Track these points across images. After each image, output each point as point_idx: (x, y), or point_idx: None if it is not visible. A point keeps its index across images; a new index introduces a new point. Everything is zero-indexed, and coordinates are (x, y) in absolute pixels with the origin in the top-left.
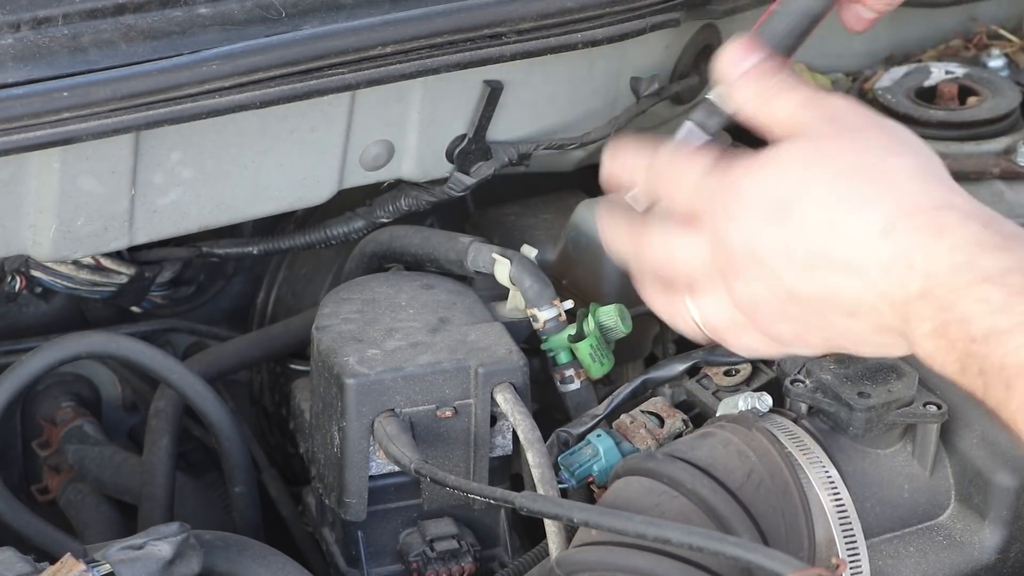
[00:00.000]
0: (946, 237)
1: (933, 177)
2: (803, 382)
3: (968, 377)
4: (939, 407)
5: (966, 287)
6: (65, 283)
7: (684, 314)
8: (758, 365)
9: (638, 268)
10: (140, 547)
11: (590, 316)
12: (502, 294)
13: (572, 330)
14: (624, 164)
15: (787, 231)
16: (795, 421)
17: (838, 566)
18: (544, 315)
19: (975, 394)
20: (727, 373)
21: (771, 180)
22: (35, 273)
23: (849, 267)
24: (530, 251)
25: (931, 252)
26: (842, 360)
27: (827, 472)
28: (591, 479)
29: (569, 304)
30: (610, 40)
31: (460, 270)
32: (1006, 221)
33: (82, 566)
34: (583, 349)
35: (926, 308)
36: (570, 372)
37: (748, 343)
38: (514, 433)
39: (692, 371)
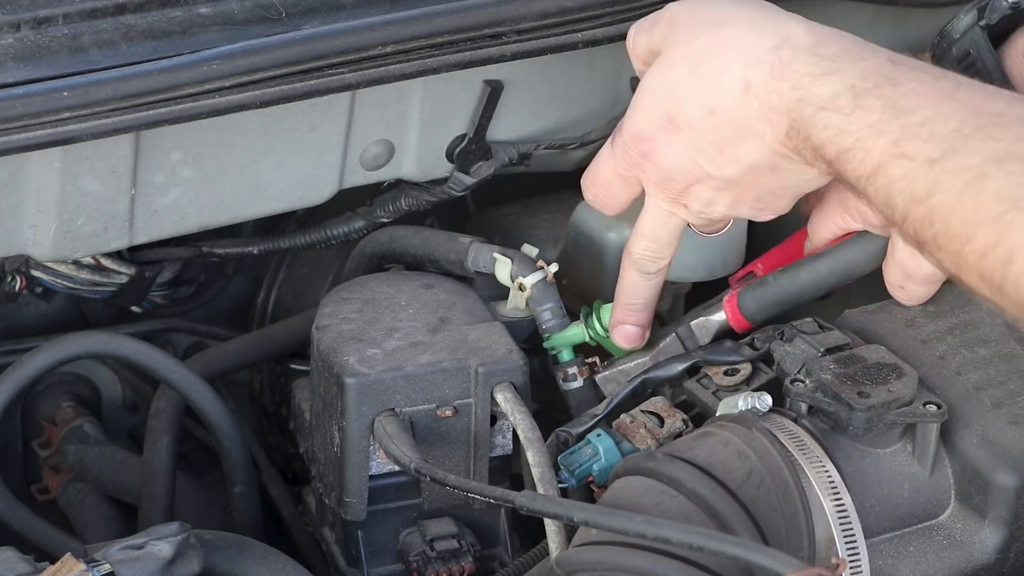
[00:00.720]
0: (786, 75)
1: (764, 19)
2: (803, 382)
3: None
4: (939, 407)
5: (811, 116)
6: (65, 283)
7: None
8: (758, 365)
9: None
10: (140, 547)
11: (594, 317)
12: (502, 294)
13: (576, 328)
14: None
15: (685, 138)
16: (795, 421)
17: (838, 566)
18: (529, 280)
19: None
20: (727, 373)
21: (649, 104)
22: (35, 273)
23: (743, 135)
24: (531, 250)
25: (781, 92)
26: (842, 360)
27: (827, 472)
28: (591, 479)
29: (555, 267)
30: (610, 40)
31: (460, 270)
32: (834, 38)
33: (82, 566)
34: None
35: (794, 140)
36: (572, 370)
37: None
38: (514, 432)
39: (692, 371)
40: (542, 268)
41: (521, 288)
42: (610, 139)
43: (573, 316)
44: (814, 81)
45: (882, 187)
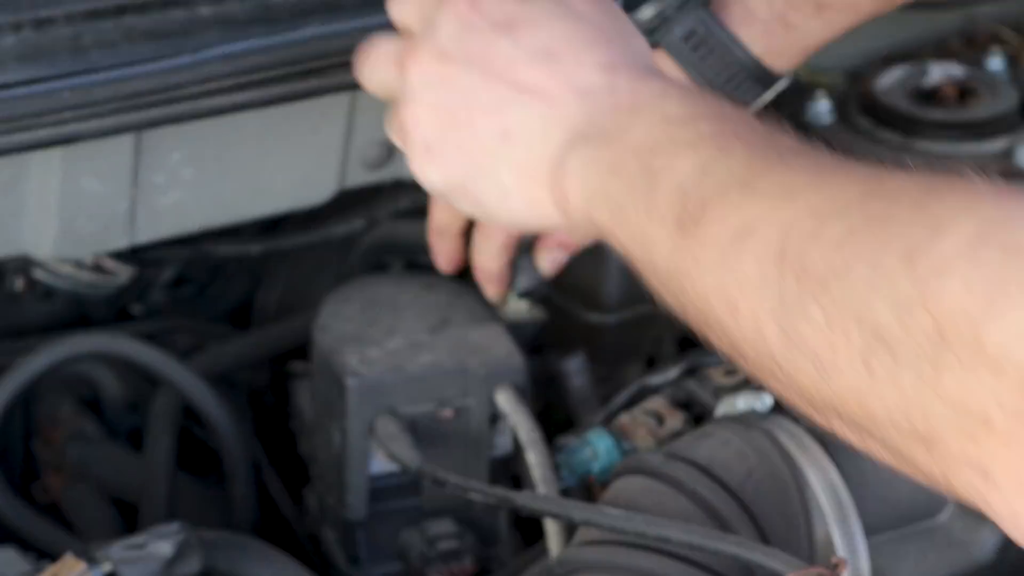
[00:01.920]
0: (655, 87)
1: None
2: None
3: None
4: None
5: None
6: (66, 283)
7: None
8: None
9: None
10: (141, 546)
11: None
12: None
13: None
14: None
15: (502, 42)
16: (795, 421)
17: (838, 565)
18: None
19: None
20: (727, 373)
21: (511, 3)
22: (36, 273)
23: (543, 94)
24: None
25: (644, 104)
26: None
27: (827, 472)
28: (591, 479)
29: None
30: None
31: None
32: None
33: (83, 565)
34: None
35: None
36: None
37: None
38: (514, 433)
39: (690, 373)
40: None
41: None
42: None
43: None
44: (683, 122)
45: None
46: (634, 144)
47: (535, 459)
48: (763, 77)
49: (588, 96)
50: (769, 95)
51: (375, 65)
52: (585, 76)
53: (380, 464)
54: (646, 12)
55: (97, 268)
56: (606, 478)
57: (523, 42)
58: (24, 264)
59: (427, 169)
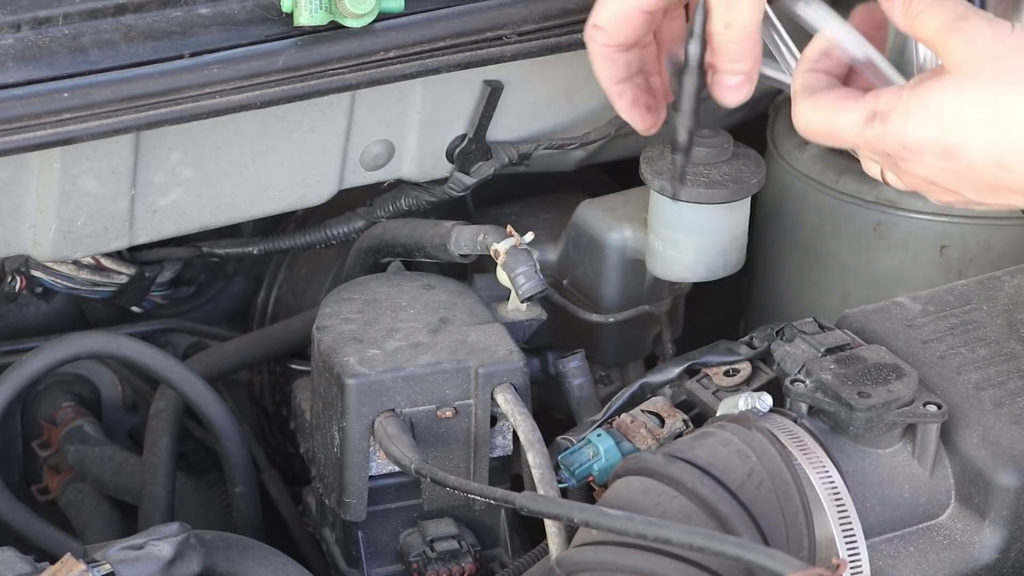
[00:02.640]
0: None
1: None
2: (803, 382)
3: None
4: (939, 407)
5: None
6: (65, 283)
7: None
8: (758, 365)
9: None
10: (140, 547)
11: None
12: (503, 295)
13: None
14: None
15: (959, 170)
16: (795, 421)
17: (838, 566)
18: (502, 246)
19: None
20: (727, 373)
21: (932, 128)
22: (35, 273)
23: (1020, 191)
24: (529, 236)
25: None
26: (842, 360)
27: (827, 472)
28: (591, 479)
29: (529, 236)
30: None
31: (446, 255)
32: None
33: (82, 566)
34: None
35: None
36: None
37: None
38: (514, 433)
39: (689, 373)
40: (512, 235)
41: (496, 254)
42: (862, 108)
43: (572, 318)
44: None
45: None
46: None
47: (535, 459)
48: None
49: None
50: None
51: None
52: None
53: (380, 464)
54: None
55: (97, 268)
56: (606, 478)
57: (971, 162)
58: (24, 264)
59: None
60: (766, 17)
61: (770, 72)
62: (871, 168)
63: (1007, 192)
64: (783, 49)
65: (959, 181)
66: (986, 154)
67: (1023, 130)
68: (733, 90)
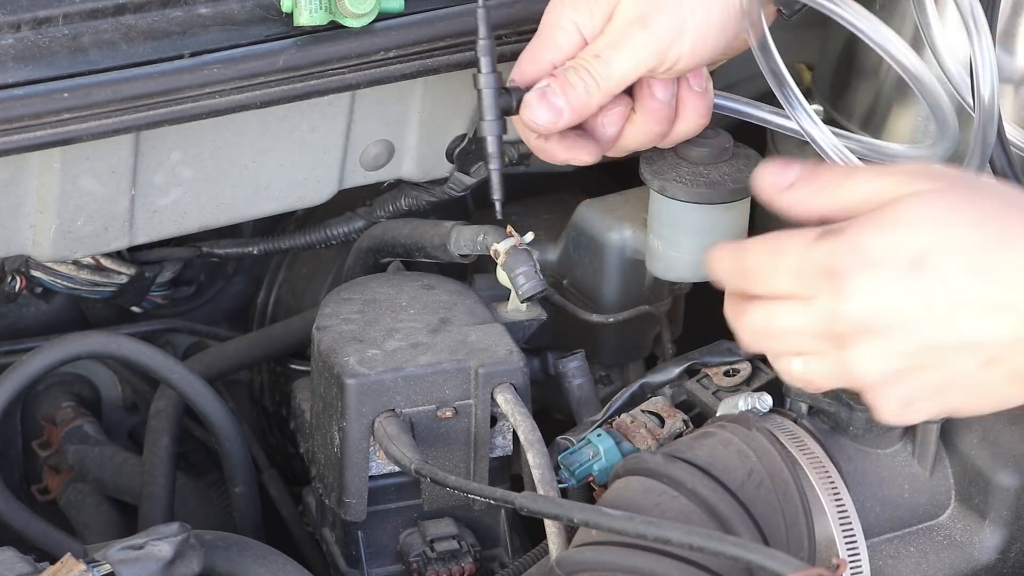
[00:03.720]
0: None
1: None
2: None
3: None
4: None
5: None
6: (65, 283)
7: (788, 369)
8: (758, 365)
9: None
10: (140, 547)
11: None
12: (503, 295)
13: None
14: (720, 269)
15: (927, 284)
16: (795, 421)
17: (838, 566)
18: (502, 246)
19: None
20: (727, 373)
21: (903, 235)
22: (35, 273)
23: (997, 306)
24: (529, 236)
25: None
26: None
27: (827, 472)
28: (591, 479)
29: (529, 236)
30: None
31: (446, 255)
32: None
33: (82, 566)
34: None
35: None
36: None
37: (882, 408)
38: (514, 433)
39: (689, 373)
40: (512, 235)
41: (496, 254)
42: (815, 230)
43: (572, 318)
44: None
45: None
46: None
47: (535, 459)
48: None
49: None
50: None
51: (779, 339)
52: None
53: (380, 464)
54: None
55: (97, 268)
56: (606, 478)
57: (945, 271)
58: (24, 264)
59: (908, 416)
60: (771, 59)
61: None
62: (784, 364)
63: (967, 318)
64: (787, 92)
65: (915, 307)
66: (966, 258)
67: (1009, 237)
68: (532, 106)
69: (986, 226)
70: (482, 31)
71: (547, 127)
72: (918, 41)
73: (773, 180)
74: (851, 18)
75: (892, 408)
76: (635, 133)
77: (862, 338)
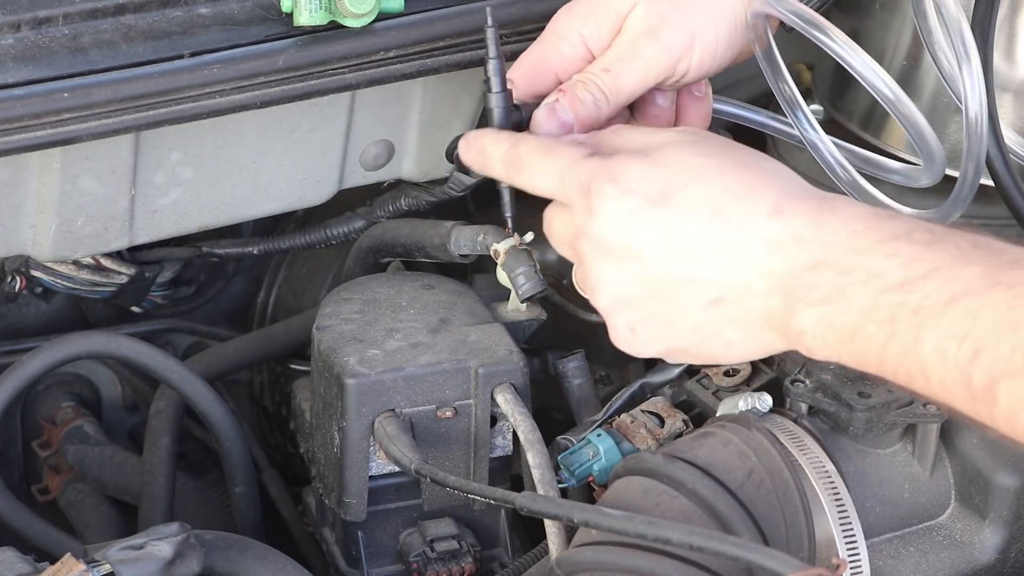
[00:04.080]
0: (840, 213)
1: (808, 183)
2: (803, 382)
3: (858, 341)
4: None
5: (872, 246)
6: (65, 283)
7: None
8: (758, 365)
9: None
10: (140, 547)
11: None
12: (503, 295)
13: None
14: (480, 152)
15: (665, 217)
16: (795, 421)
17: (838, 566)
18: (502, 246)
19: (863, 358)
20: (727, 373)
21: (653, 168)
22: (35, 273)
23: (727, 249)
24: (528, 236)
25: (826, 225)
26: None
27: (827, 472)
28: (591, 479)
29: (529, 236)
30: None
31: (446, 255)
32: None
33: (82, 566)
34: None
35: (820, 276)
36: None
37: (613, 332)
38: (514, 433)
39: (689, 373)
40: (512, 235)
41: (495, 254)
42: (580, 147)
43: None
44: (882, 220)
45: (958, 317)
46: (859, 307)
47: (535, 459)
48: None
49: (776, 249)
50: None
51: (554, 240)
52: (761, 229)
53: (380, 464)
54: None
55: (97, 268)
56: (606, 478)
57: (686, 209)
58: (24, 264)
59: (636, 345)
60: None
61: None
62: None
63: (698, 254)
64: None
65: (652, 235)
66: (705, 198)
67: (752, 187)
68: (541, 122)
69: (731, 175)
70: (492, 50)
71: None
72: (917, 42)
73: (547, 127)
74: (836, 48)
75: (622, 334)
76: None
77: (602, 258)
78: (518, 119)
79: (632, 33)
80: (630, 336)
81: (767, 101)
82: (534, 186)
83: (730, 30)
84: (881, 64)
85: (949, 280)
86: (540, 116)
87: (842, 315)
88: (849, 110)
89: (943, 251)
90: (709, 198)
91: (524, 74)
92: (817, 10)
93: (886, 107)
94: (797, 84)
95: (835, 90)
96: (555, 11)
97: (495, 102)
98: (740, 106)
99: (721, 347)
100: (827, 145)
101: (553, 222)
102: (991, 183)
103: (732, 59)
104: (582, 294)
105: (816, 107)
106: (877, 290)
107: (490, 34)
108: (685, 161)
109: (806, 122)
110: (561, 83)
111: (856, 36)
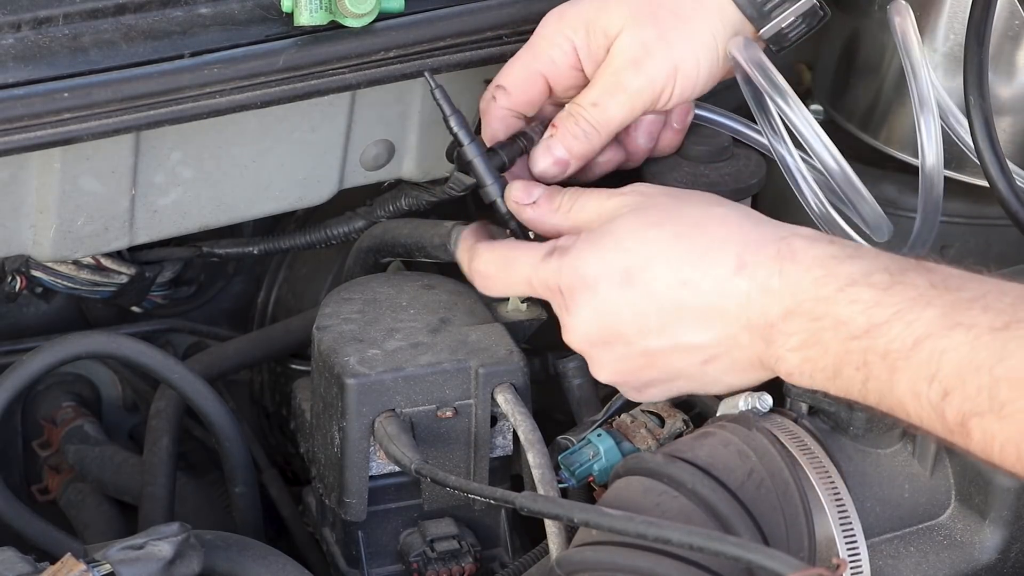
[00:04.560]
0: (799, 259)
1: (761, 219)
2: None
3: (842, 379)
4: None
5: (834, 294)
6: (65, 283)
7: None
8: None
9: None
10: (140, 547)
11: None
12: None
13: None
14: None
15: (636, 297)
16: (795, 421)
17: (838, 566)
18: None
19: (850, 394)
20: None
21: (611, 253)
22: (35, 273)
23: (705, 314)
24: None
25: (789, 273)
26: None
27: (827, 472)
28: (591, 479)
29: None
30: None
31: (446, 255)
32: (847, 240)
33: (82, 566)
34: None
35: (793, 324)
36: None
37: (623, 391)
38: (514, 433)
39: None
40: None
41: None
42: (543, 246)
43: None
44: (840, 263)
45: (925, 359)
46: (834, 351)
47: (535, 459)
48: None
49: (749, 302)
50: (794, 12)
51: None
52: (730, 287)
53: (380, 464)
54: None
55: (97, 268)
56: (606, 478)
57: (653, 285)
58: (24, 264)
59: (646, 399)
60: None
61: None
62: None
63: (676, 326)
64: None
65: (630, 318)
66: (668, 271)
67: (710, 248)
68: (539, 161)
69: (687, 239)
70: (447, 108)
71: (557, 177)
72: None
73: (517, 197)
74: (789, 112)
75: (630, 394)
76: (607, 163)
77: (592, 347)
78: (499, 163)
79: (616, 65)
80: (638, 395)
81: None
82: (511, 292)
83: (711, 60)
84: (880, 64)
85: (911, 323)
86: (539, 155)
87: (822, 358)
88: (849, 110)
89: (902, 293)
90: (673, 271)
91: (514, 80)
92: (803, 36)
93: (830, 178)
94: (797, 84)
95: (835, 90)
96: None
97: (471, 153)
98: (721, 113)
99: (723, 388)
100: (797, 162)
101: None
102: (987, 184)
103: (713, 85)
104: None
105: (816, 107)
106: (846, 337)
107: (439, 94)
108: (638, 236)
109: (785, 151)
110: (552, 89)
111: (855, 36)
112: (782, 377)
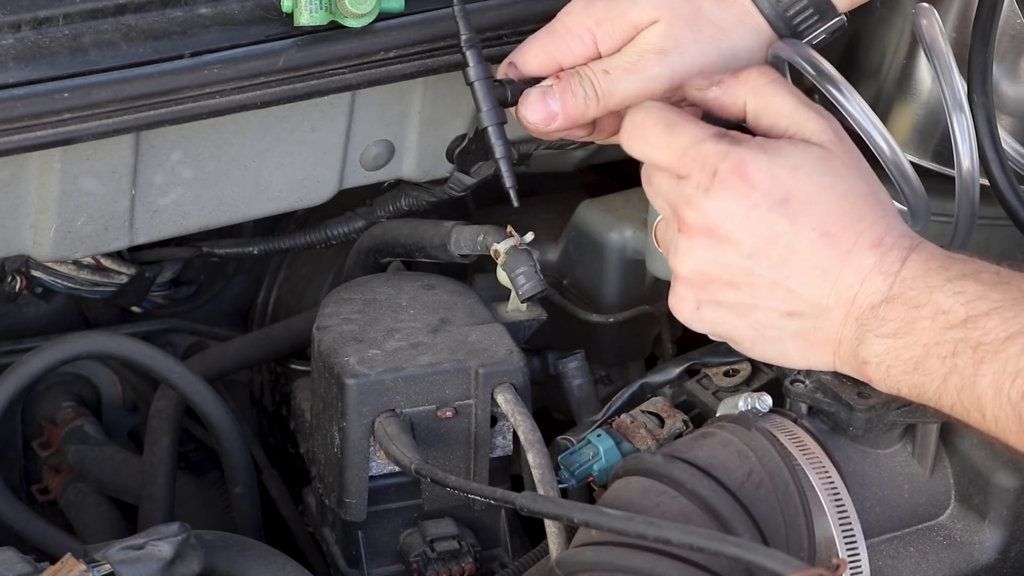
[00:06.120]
0: (922, 252)
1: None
2: (803, 382)
3: (921, 373)
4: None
5: (942, 283)
6: (65, 283)
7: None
8: (758, 365)
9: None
10: (140, 547)
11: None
12: (503, 295)
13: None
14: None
15: (779, 221)
16: (795, 421)
17: (838, 566)
18: (502, 246)
19: (924, 392)
20: (727, 373)
21: (783, 172)
22: (35, 273)
23: (826, 270)
24: (529, 236)
25: (910, 261)
26: None
27: (827, 472)
28: (591, 479)
29: (529, 236)
30: None
31: (446, 255)
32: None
33: (82, 566)
34: None
35: (893, 311)
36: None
37: (676, 298)
38: (514, 434)
39: (689, 373)
40: (512, 235)
41: (496, 254)
42: (708, 128)
43: (572, 318)
44: (953, 260)
45: (1014, 354)
46: (924, 341)
47: (535, 459)
48: (824, 11)
49: (865, 280)
50: (825, 31)
51: (650, 191)
52: (860, 259)
53: (380, 464)
54: None
55: (97, 268)
56: (606, 478)
57: (801, 222)
58: (24, 264)
59: (693, 319)
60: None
61: None
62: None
63: (795, 268)
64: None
65: (761, 235)
66: (822, 220)
67: (859, 219)
68: (529, 104)
69: (850, 203)
70: (463, 28)
71: (536, 127)
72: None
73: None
74: (848, 106)
75: (685, 304)
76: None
77: (701, 232)
78: (502, 94)
79: (643, 46)
80: (692, 309)
81: None
82: (647, 156)
83: (727, 64)
84: (882, 62)
85: (1009, 319)
86: (532, 97)
87: (908, 349)
88: None
89: (1006, 292)
90: (825, 219)
91: (529, 61)
92: (830, 36)
93: (884, 165)
94: (798, 84)
95: None
96: (555, 12)
97: (474, 75)
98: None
99: (774, 353)
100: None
101: (655, 176)
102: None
103: None
104: (658, 248)
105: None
106: (943, 326)
107: (458, 11)
108: (815, 176)
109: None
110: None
111: (858, 35)
112: (851, 371)
